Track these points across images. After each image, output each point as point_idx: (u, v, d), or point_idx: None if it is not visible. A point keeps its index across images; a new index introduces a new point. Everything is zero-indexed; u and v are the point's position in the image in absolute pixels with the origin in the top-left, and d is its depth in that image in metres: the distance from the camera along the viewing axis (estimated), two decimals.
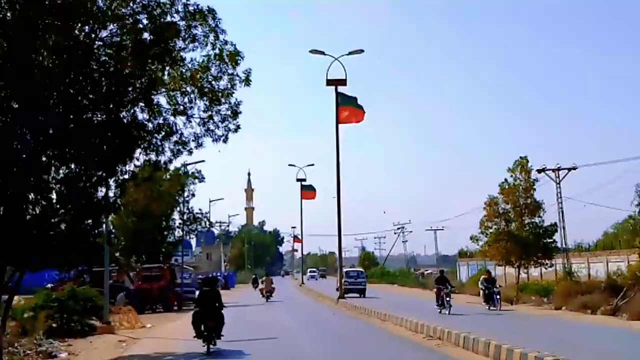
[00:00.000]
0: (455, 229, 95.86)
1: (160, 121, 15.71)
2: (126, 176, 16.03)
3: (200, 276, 67.12)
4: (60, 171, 14.91)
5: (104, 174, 15.20)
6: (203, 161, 43.76)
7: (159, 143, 15.84)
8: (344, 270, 44.90)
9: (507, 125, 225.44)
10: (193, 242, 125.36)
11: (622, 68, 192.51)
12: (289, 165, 69.79)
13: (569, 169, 42.21)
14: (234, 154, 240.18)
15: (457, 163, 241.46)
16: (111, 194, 16.69)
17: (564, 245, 40.39)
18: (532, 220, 35.58)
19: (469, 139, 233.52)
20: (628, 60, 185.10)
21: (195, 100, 15.99)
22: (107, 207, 16.36)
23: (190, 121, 16.11)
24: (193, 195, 44.04)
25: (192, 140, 16.29)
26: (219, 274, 73.56)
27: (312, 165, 70.01)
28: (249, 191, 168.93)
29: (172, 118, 15.87)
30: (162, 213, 41.93)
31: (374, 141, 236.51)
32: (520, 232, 35.13)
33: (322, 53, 37.79)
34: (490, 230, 36.07)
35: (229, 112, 16.12)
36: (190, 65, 15.73)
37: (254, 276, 67.25)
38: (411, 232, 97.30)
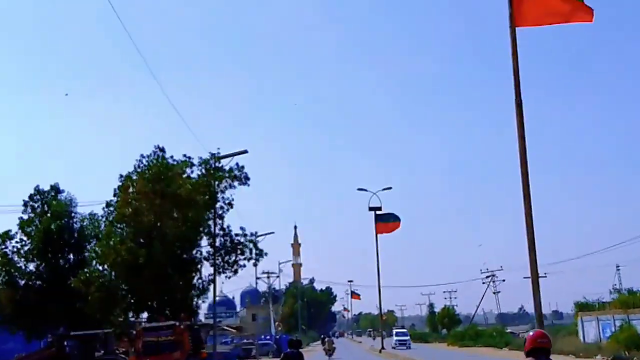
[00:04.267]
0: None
1: None
2: None
3: (245, 340, 53.48)
4: None
5: None
6: (245, 152, 27.60)
7: None
8: None
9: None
10: (237, 300, 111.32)
11: None
12: (358, 189, 52.77)
13: None
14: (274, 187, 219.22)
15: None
16: None
17: None
18: None
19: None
20: None
21: None
22: None
23: None
24: (230, 205, 27.46)
25: None
26: (269, 337, 58.33)
27: (390, 189, 52.87)
28: (296, 246, 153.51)
29: None
30: (181, 236, 25.32)
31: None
32: None
33: None
34: None
35: None
36: None
37: (322, 336, 68.19)
38: (504, 280, 79.04)
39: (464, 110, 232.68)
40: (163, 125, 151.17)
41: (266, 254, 29.62)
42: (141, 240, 25.23)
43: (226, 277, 28.72)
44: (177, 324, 22.85)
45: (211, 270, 27.73)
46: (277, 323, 72.51)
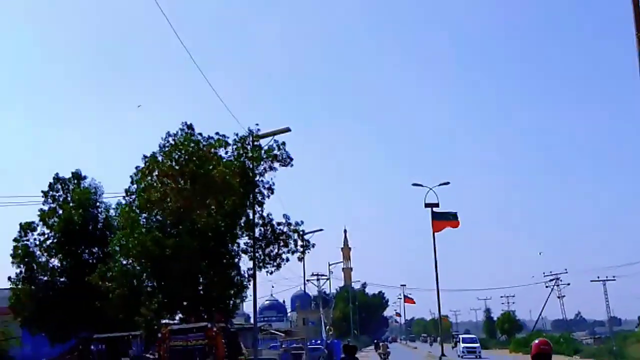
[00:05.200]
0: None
1: None
2: None
3: (294, 345, 51.00)
4: None
5: None
6: (288, 130, 24.23)
7: None
8: None
9: None
10: (287, 304, 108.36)
11: None
12: (413, 184, 48.79)
13: None
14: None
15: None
16: None
17: None
18: None
19: None
20: None
21: None
22: None
23: None
24: (271, 190, 24.15)
25: None
26: (319, 342, 55.23)
27: (447, 184, 48.76)
28: (346, 250, 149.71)
29: None
30: (215, 225, 22.09)
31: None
32: None
33: None
34: None
35: None
36: None
37: (375, 341, 69.00)
38: (569, 284, 73.65)
39: (523, 110, 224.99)
40: (194, 106, 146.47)
41: (313, 245, 26.03)
42: (169, 230, 22.22)
43: (267, 272, 25.15)
44: (210, 325, 19.56)
45: (250, 264, 24.47)
46: (328, 327, 69.09)
